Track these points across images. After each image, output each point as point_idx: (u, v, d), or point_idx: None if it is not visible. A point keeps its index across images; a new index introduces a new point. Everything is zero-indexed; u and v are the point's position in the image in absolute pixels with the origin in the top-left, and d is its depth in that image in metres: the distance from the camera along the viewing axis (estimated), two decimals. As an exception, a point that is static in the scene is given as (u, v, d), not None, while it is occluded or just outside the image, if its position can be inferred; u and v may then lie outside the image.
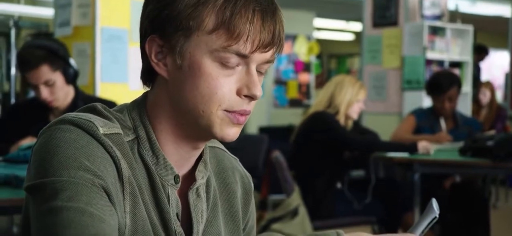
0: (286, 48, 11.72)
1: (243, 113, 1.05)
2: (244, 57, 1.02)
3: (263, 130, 9.15)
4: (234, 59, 1.01)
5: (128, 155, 1.02)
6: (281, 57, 11.69)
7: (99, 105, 1.07)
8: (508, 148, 3.63)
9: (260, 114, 11.40)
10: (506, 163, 3.66)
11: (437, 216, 1.06)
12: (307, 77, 11.96)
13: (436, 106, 4.70)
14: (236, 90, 1.03)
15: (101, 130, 0.99)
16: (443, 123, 4.68)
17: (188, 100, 1.03)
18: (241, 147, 6.93)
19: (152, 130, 1.07)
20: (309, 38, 11.93)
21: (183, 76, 1.03)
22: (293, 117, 9.98)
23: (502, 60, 10.07)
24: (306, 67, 11.96)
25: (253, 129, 10.58)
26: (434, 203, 1.04)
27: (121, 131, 1.03)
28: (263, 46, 1.02)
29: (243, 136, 5.49)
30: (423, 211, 1.09)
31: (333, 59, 17.64)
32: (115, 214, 0.93)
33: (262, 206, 4.17)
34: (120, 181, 0.98)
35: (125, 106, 1.10)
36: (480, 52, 9.86)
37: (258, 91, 1.03)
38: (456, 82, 4.62)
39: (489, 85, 6.51)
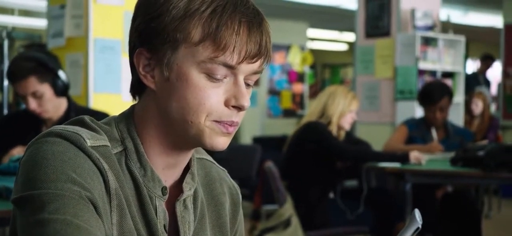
0: (280, 58, 11.75)
1: (232, 124, 1.05)
2: (231, 68, 1.02)
3: (256, 140, 9.15)
4: (221, 70, 1.01)
5: (115, 167, 1.02)
6: (275, 67, 11.72)
7: (86, 118, 1.07)
8: (499, 158, 3.65)
9: (254, 124, 11.39)
10: (497, 173, 3.68)
11: (420, 226, 1.03)
12: (301, 87, 12.00)
13: (427, 116, 4.71)
14: (224, 101, 1.03)
15: (89, 143, 0.99)
16: (434, 133, 4.68)
17: (177, 111, 1.03)
18: (234, 157, 6.98)
19: (140, 142, 1.07)
20: (302, 48, 11.98)
21: (171, 87, 1.03)
22: (287, 127, 10.00)
23: (494, 70, 10.08)
24: (300, 77, 12.01)
25: (246, 139, 10.58)
26: (417, 213, 1.02)
27: (108, 143, 1.03)
28: (250, 57, 1.02)
29: (236, 146, 5.55)
30: (409, 222, 1.06)
31: (326, 69, 17.70)
32: (101, 226, 0.93)
33: (255, 216, 4.18)
34: (107, 193, 0.98)
35: (113, 118, 1.09)
36: (486, 61, 9.88)
37: (246, 102, 1.03)
38: (447, 93, 4.64)
39: (481, 95, 6.54)
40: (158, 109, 1.06)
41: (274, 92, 11.72)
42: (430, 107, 4.63)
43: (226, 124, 1.04)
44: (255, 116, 11.51)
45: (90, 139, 1.00)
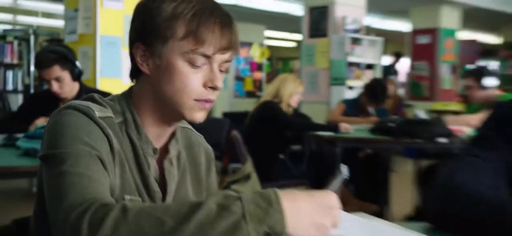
0: (244, 52, 11.72)
1: (208, 101, 1.05)
2: (208, 57, 1.02)
3: (225, 115, 9.09)
4: (200, 60, 1.01)
5: (117, 133, 1.02)
6: (240, 59, 11.67)
7: (96, 95, 1.07)
8: (404, 128, 3.67)
9: (223, 103, 11.40)
10: (402, 139, 3.69)
11: (347, 177, 1.03)
12: (260, 75, 11.98)
13: (360, 100, 4.79)
14: (203, 83, 1.03)
15: (97, 114, 0.99)
16: (372, 110, 4.73)
17: (166, 92, 1.03)
18: (209, 127, 6.92)
19: (137, 114, 1.07)
20: (261, 45, 11.95)
21: (161, 73, 1.03)
22: (249, 105, 9.95)
23: (402, 64, 10.24)
24: (259, 67, 11.97)
25: (218, 114, 10.56)
26: (343, 167, 1.01)
27: (112, 115, 1.04)
28: (222, 49, 1.02)
29: (211, 119, 5.50)
30: (336, 174, 1.05)
31: (279, 61, 17.70)
32: (107, 177, 0.94)
33: (223, 172, 4.16)
34: (112, 153, 0.99)
35: (116, 96, 1.10)
36: (397, 57, 10.00)
37: (219, 83, 1.03)
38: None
39: (392, 82, 6.63)
40: (151, 90, 1.06)
41: (239, 78, 11.67)
42: (363, 97, 4.73)
43: (204, 101, 1.04)
44: (225, 96, 11.50)
45: (98, 112, 1.00)
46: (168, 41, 1.01)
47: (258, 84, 11.87)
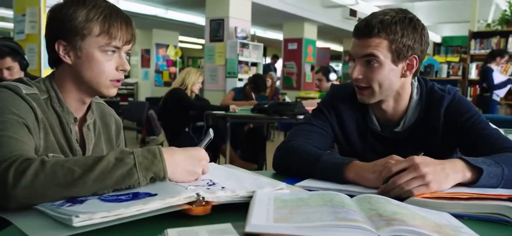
0: (162, 52, 11.39)
1: (119, 80, 1.04)
2: (118, 48, 1.02)
3: (147, 99, 8.88)
4: (112, 50, 1.01)
5: (43, 106, 0.99)
6: (159, 57, 11.37)
7: (24, 78, 1.03)
8: (275, 108, 3.75)
9: (146, 90, 11.10)
10: (274, 116, 3.75)
11: (212, 137, 1.04)
12: (174, 69, 11.70)
13: (246, 89, 4.83)
14: (115, 67, 1.03)
15: (24, 91, 0.96)
16: (253, 96, 4.79)
17: (87, 76, 1.02)
18: (133, 108, 6.63)
19: (60, 92, 1.04)
20: (175, 46, 11.66)
21: (82, 62, 1.01)
22: (165, 92, 9.82)
23: (279, 63, 10.53)
24: (174, 63, 11.70)
25: (142, 98, 10.26)
26: (211, 131, 1.03)
27: (37, 92, 1.00)
28: (127, 42, 1.03)
29: (135, 102, 5.31)
30: (205, 136, 1.06)
31: (190, 59, 17.40)
32: (32, 140, 0.91)
33: (142, 142, 4.10)
34: (37, 121, 0.96)
35: (41, 79, 1.05)
36: (275, 58, 10.21)
37: (127, 66, 1.04)
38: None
39: (271, 76, 6.78)
40: (72, 74, 1.03)
41: (158, 72, 11.35)
42: (248, 86, 4.79)
43: (116, 81, 1.04)
44: (147, 85, 11.18)
45: (25, 90, 0.97)
46: (86, 37, 0.99)
47: (173, 76, 11.60)
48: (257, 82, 4.91)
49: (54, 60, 1.05)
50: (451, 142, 1.17)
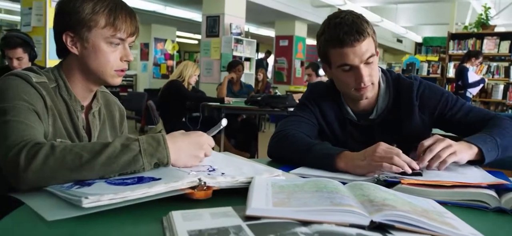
0: (160, 46, 11.31)
1: (123, 70, 1.03)
2: (122, 40, 1.01)
3: (146, 90, 8.83)
4: (117, 42, 1.00)
5: (51, 94, 0.98)
6: (157, 50, 11.28)
7: (34, 67, 1.01)
8: (267, 101, 3.76)
9: (145, 82, 11.03)
10: (266, 108, 3.76)
11: (223, 126, 1.04)
12: (172, 63, 11.64)
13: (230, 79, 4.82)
14: (119, 58, 1.02)
15: (34, 80, 0.95)
16: (233, 78, 4.76)
17: (94, 66, 1.00)
18: (133, 98, 6.57)
19: (67, 80, 1.03)
20: (173, 41, 11.58)
21: (89, 53, 1.00)
22: (163, 84, 9.76)
23: (271, 59, 10.52)
24: (171, 57, 11.62)
25: (141, 90, 10.19)
26: (223, 120, 1.03)
27: (46, 81, 0.99)
28: (131, 34, 1.02)
29: (135, 93, 5.30)
30: (218, 124, 1.05)
31: (186, 53, 17.29)
32: (42, 125, 0.90)
33: (141, 131, 4.08)
34: (46, 108, 0.95)
35: (50, 68, 1.04)
36: (267, 54, 10.19)
37: (131, 57, 1.03)
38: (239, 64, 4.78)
39: (263, 71, 6.78)
40: (79, 64, 1.02)
41: (156, 65, 11.28)
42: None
43: (121, 71, 1.03)
44: (146, 77, 11.12)
45: (35, 78, 0.95)
46: (92, 29, 0.98)
47: (170, 69, 11.55)
48: (230, 65, 4.91)
49: (62, 51, 1.04)
50: (427, 125, 1.21)
